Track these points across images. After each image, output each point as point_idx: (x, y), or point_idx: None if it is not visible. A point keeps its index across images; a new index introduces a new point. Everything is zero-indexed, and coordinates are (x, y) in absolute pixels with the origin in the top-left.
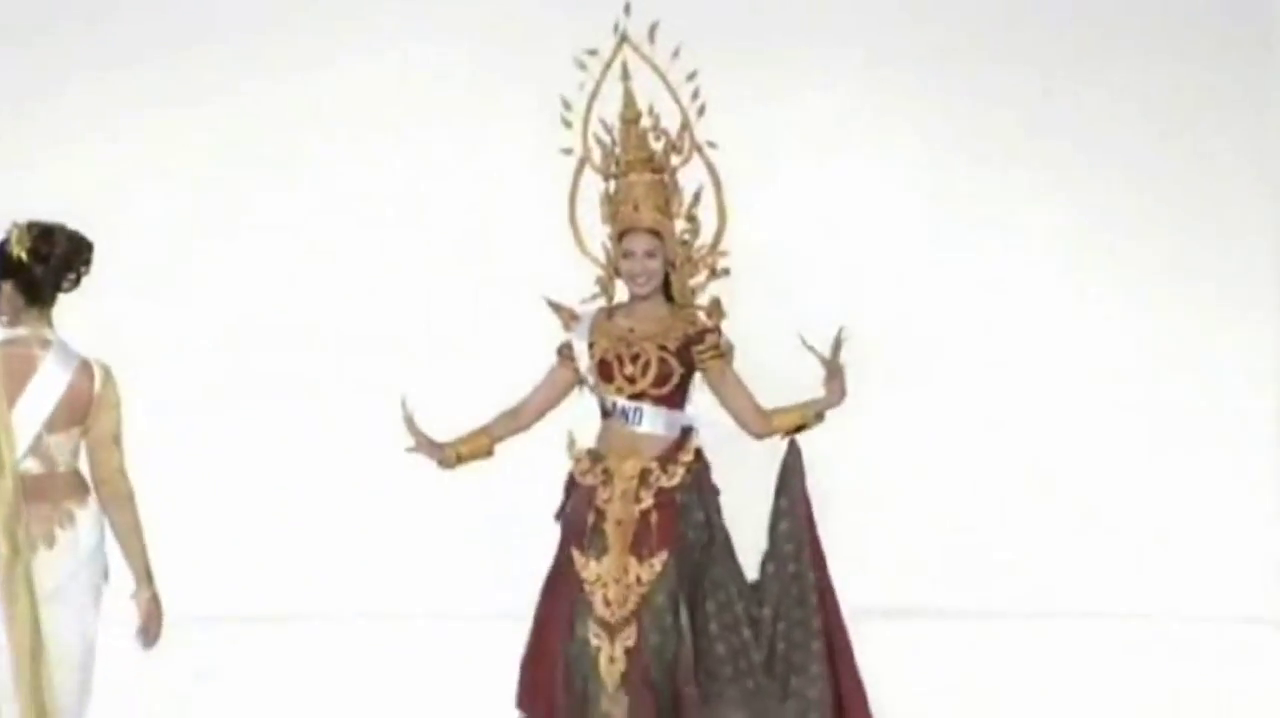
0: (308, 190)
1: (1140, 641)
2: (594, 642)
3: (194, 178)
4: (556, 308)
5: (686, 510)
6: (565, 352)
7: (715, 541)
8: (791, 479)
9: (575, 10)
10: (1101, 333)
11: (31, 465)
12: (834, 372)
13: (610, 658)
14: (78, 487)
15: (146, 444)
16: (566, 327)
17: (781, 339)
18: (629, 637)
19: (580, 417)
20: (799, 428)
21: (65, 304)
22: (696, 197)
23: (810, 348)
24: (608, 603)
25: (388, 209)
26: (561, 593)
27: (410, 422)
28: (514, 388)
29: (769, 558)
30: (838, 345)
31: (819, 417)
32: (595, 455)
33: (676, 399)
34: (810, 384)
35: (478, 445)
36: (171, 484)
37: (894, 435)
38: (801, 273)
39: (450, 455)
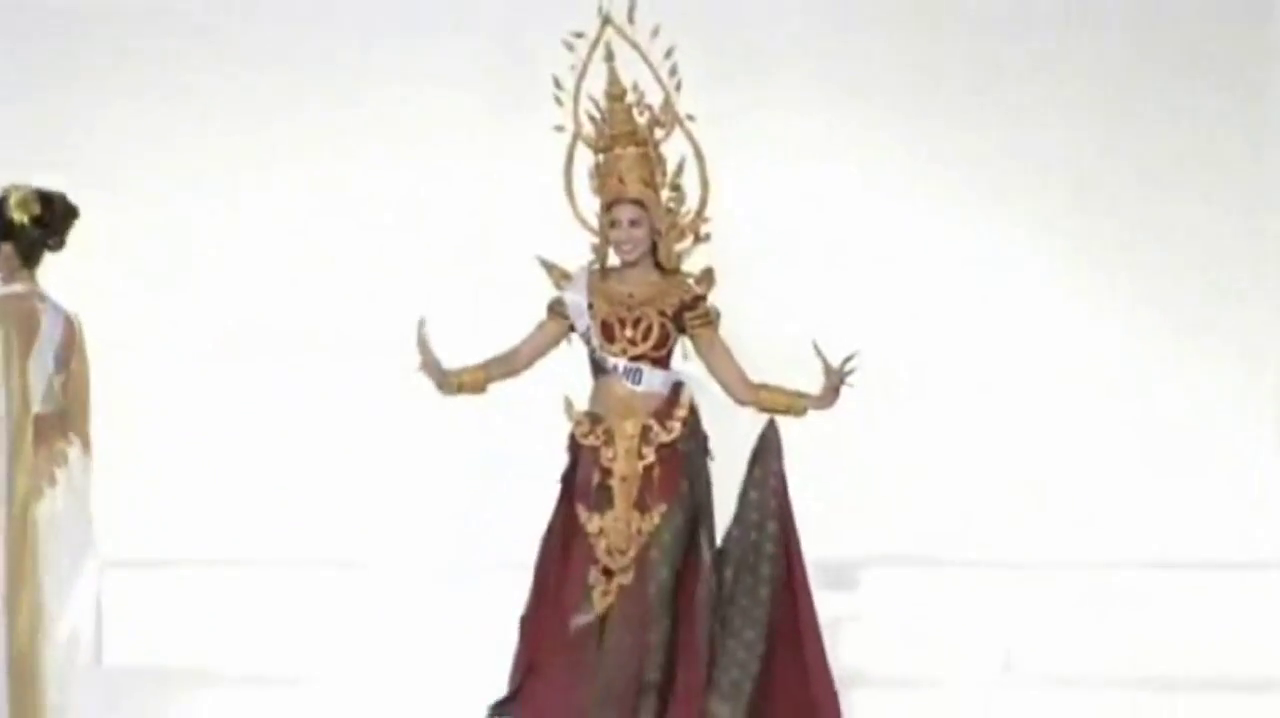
0: (311, 172)
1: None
2: (591, 582)
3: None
4: (548, 266)
5: (689, 460)
6: (556, 307)
7: (706, 488)
8: (767, 454)
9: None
10: (1093, 330)
11: (41, 408)
12: (834, 382)
13: (604, 593)
14: (64, 428)
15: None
16: (557, 285)
17: (756, 318)
18: (626, 577)
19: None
20: (782, 412)
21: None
22: (680, 167)
23: (820, 354)
24: (610, 552)
25: (391, 196)
26: (563, 553)
27: (424, 342)
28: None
29: (735, 523)
30: (847, 363)
31: (803, 411)
32: (594, 417)
33: (669, 359)
34: (770, 366)
35: (475, 379)
36: (188, 438)
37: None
38: (774, 261)
39: (452, 382)
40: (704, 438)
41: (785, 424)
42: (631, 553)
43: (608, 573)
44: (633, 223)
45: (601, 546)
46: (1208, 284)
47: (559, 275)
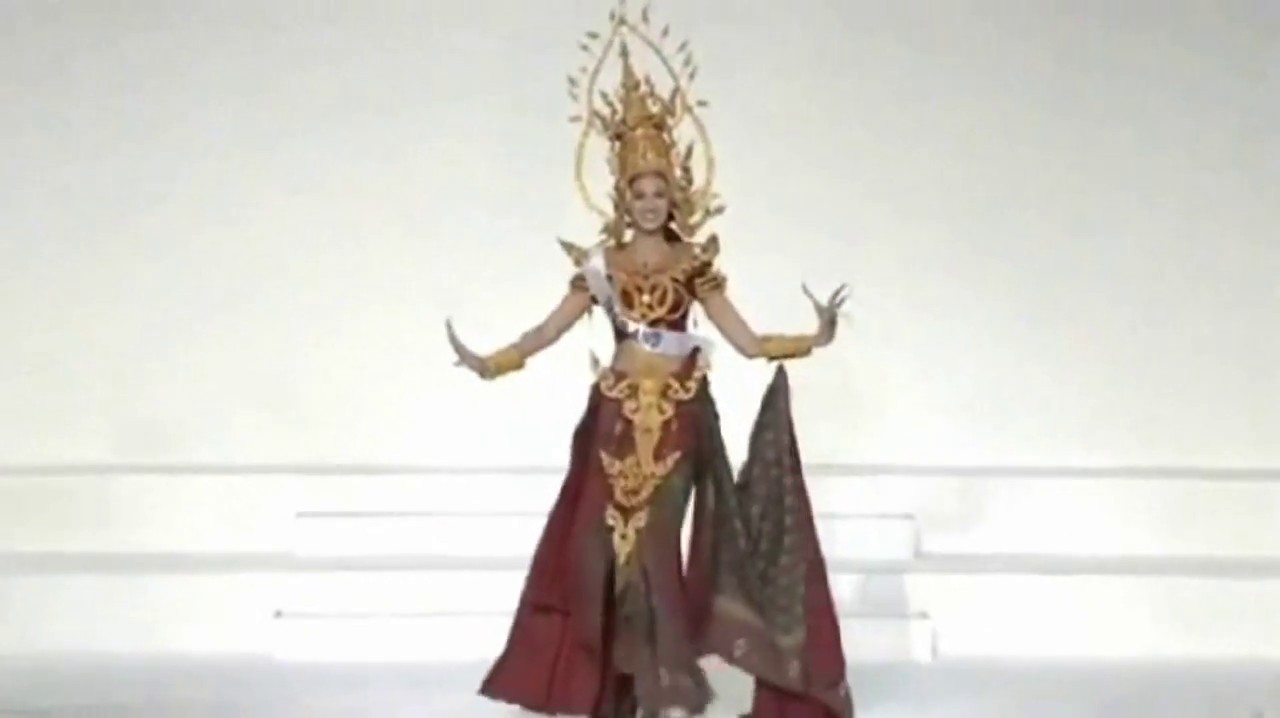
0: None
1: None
2: (610, 522)
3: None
4: (568, 247)
5: (700, 418)
6: (578, 283)
7: (715, 443)
8: (777, 399)
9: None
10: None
11: None
12: (830, 318)
13: (623, 535)
14: None
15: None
16: (577, 262)
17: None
18: (640, 518)
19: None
20: (788, 356)
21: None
22: (688, 151)
23: (809, 294)
24: (625, 491)
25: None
26: (581, 497)
27: (455, 340)
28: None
29: (753, 463)
30: (837, 296)
31: (808, 351)
32: (620, 373)
33: (684, 323)
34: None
35: (511, 359)
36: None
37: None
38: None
39: (490, 366)
40: (713, 400)
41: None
42: (644, 493)
43: (622, 510)
44: (657, 193)
45: (620, 486)
46: None
47: (578, 254)
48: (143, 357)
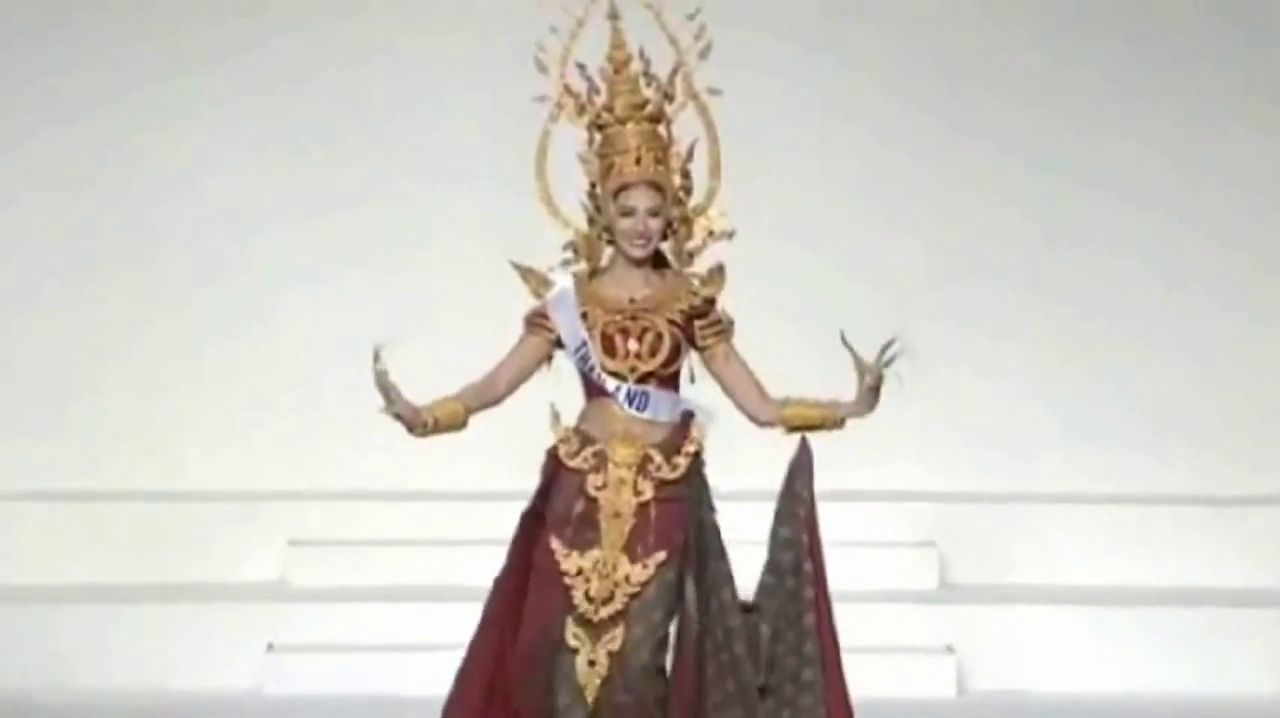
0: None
1: None
2: (572, 642)
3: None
4: (524, 272)
5: (687, 508)
6: (537, 320)
7: (710, 542)
8: (796, 483)
9: None
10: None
11: None
12: (874, 379)
13: (590, 662)
14: None
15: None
16: (536, 293)
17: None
18: (613, 639)
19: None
20: (813, 427)
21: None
22: (691, 151)
23: (849, 347)
24: (590, 599)
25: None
26: (524, 602)
27: (383, 380)
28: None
29: (768, 569)
30: (885, 352)
31: (840, 422)
32: (585, 437)
33: (677, 380)
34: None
35: (451, 415)
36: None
37: None
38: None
39: (428, 420)
40: (707, 485)
41: None
42: (615, 606)
43: (587, 626)
44: (651, 212)
45: (580, 591)
46: None
47: (538, 281)
48: (126, 379)
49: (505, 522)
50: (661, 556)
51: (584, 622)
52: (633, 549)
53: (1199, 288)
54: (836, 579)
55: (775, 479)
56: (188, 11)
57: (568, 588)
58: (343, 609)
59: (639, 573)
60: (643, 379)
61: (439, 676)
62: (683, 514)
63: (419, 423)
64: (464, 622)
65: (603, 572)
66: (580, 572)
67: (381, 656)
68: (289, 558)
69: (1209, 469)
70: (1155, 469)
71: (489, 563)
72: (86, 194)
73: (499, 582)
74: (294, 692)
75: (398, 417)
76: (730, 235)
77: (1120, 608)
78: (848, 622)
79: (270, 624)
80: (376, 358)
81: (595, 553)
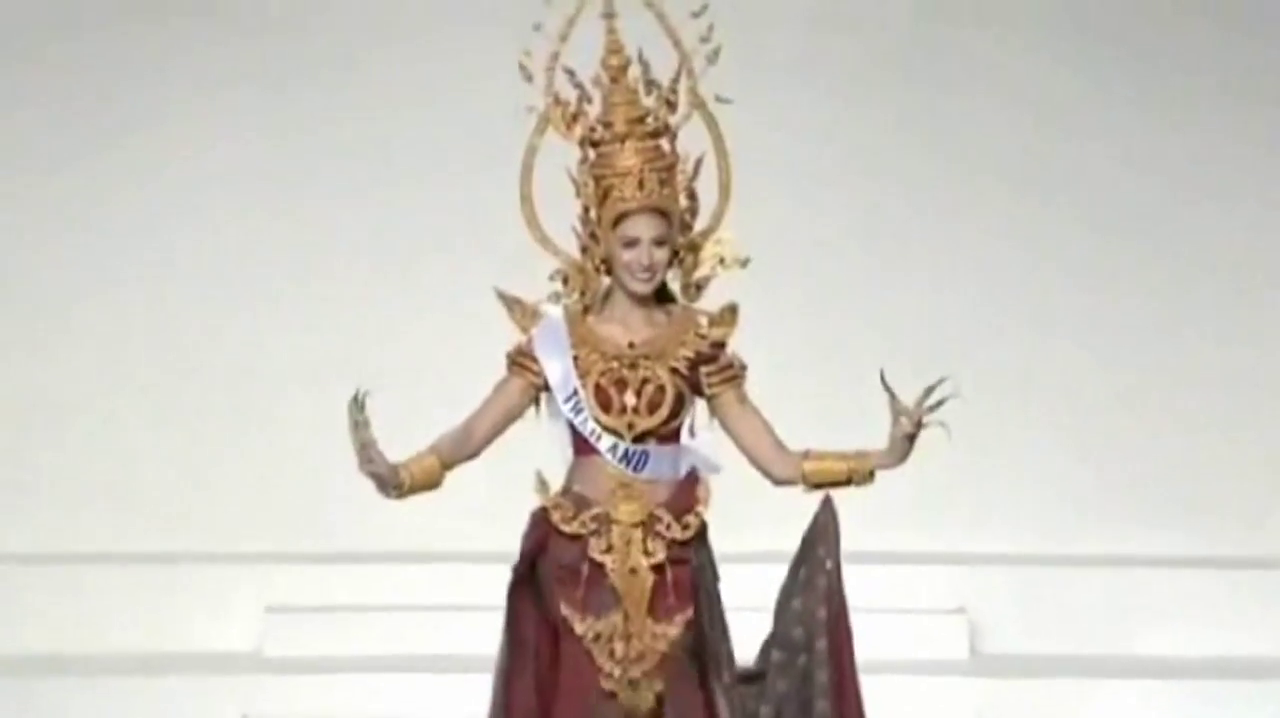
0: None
1: None
2: (615, 691)
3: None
4: (510, 303)
5: (701, 571)
6: (521, 359)
7: (715, 614)
8: (820, 548)
9: None
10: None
11: None
12: (912, 426)
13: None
14: None
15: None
16: (522, 328)
17: None
18: (656, 684)
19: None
20: (838, 484)
21: None
22: (698, 167)
23: (889, 390)
24: (615, 657)
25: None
26: (539, 682)
27: (362, 431)
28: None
29: (774, 643)
30: (930, 393)
31: (870, 475)
32: (580, 500)
33: (679, 434)
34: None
35: (429, 472)
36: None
37: None
38: None
39: (405, 478)
40: (711, 551)
41: None
42: (651, 661)
43: (628, 682)
44: (657, 241)
45: (605, 653)
46: None
47: (525, 315)
48: (96, 441)
49: (493, 586)
50: (689, 612)
51: (619, 679)
52: (655, 609)
53: (1244, 347)
54: (857, 649)
55: (781, 539)
56: (188, 10)
57: (588, 653)
58: (322, 681)
59: (667, 629)
60: (641, 438)
61: None
62: (692, 581)
63: (394, 483)
64: (450, 692)
65: (629, 631)
66: (599, 635)
67: None
68: (266, 625)
69: (1253, 534)
70: (1198, 534)
71: (482, 630)
72: (47, 233)
73: (503, 671)
74: None
75: (374, 475)
76: (745, 263)
77: (1163, 680)
78: (869, 695)
79: (245, 696)
80: (361, 406)
81: (616, 616)
